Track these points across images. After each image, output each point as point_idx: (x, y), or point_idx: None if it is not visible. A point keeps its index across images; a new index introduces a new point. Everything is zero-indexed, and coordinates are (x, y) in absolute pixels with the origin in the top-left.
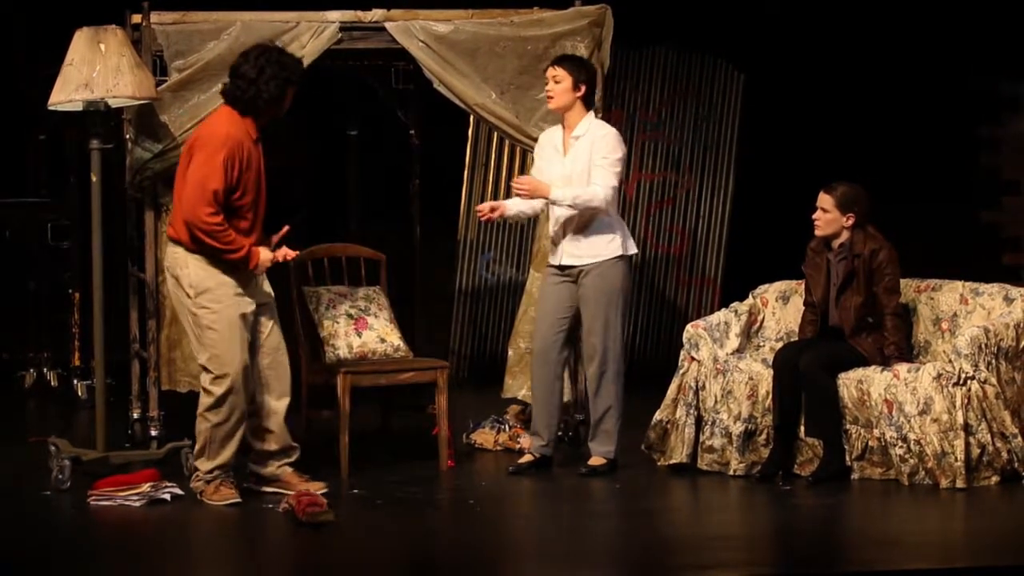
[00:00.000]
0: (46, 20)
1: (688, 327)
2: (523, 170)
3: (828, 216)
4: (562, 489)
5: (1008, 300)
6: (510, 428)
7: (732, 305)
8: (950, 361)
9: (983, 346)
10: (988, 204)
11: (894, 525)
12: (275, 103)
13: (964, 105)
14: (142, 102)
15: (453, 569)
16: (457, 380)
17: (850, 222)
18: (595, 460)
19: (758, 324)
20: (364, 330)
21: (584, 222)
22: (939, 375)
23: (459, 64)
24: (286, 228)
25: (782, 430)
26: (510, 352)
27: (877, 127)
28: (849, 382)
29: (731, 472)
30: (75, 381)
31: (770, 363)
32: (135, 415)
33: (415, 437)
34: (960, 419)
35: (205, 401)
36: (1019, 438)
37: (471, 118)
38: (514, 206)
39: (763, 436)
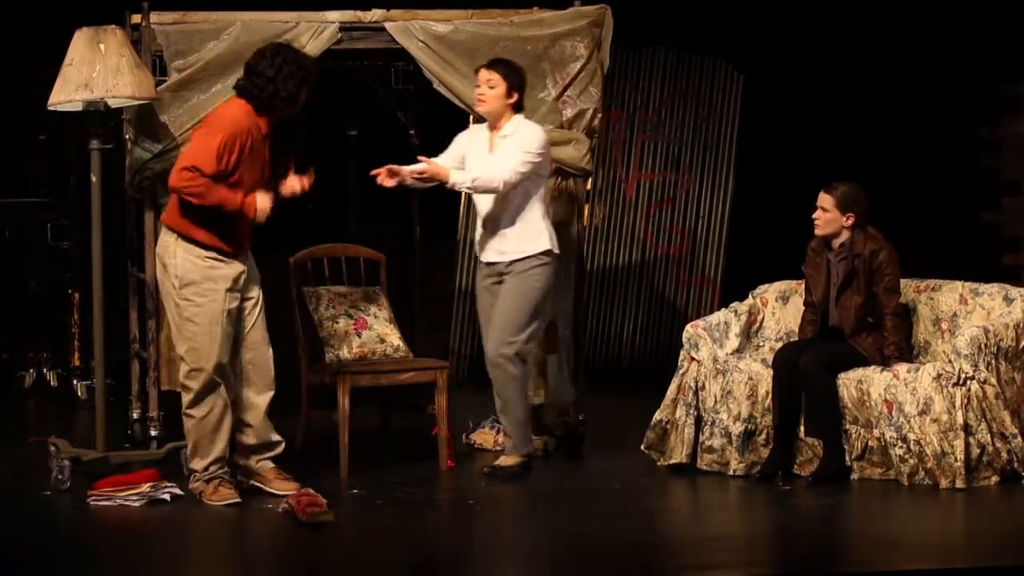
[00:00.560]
0: (46, 20)
1: (688, 327)
2: None
3: (828, 216)
4: (562, 489)
5: (1008, 300)
6: None
7: (732, 305)
8: (950, 361)
9: (983, 346)
10: (988, 204)
11: (894, 525)
12: (291, 101)
13: (964, 105)
14: (142, 102)
15: (453, 569)
16: (457, 380)
17: (850, 222)
18: (504, 460)
19: (758, 324)
20: (364, 330)
21: (511, 217)
22: (939, 375)
23: (459, 64)
24: (292, 171)
25: (782, 430)
26: None
27: (877, 127)
28: (849, 382)
29: (731, 472)
30: (75, 381)
31: (770, 363)
32: (135, 415)
33: (415, 437)
34: (960, 419)
35: (185, 398)
36: (1019, 438)
37: (471, 118)
38: (410, 176)
39: (763, 436)
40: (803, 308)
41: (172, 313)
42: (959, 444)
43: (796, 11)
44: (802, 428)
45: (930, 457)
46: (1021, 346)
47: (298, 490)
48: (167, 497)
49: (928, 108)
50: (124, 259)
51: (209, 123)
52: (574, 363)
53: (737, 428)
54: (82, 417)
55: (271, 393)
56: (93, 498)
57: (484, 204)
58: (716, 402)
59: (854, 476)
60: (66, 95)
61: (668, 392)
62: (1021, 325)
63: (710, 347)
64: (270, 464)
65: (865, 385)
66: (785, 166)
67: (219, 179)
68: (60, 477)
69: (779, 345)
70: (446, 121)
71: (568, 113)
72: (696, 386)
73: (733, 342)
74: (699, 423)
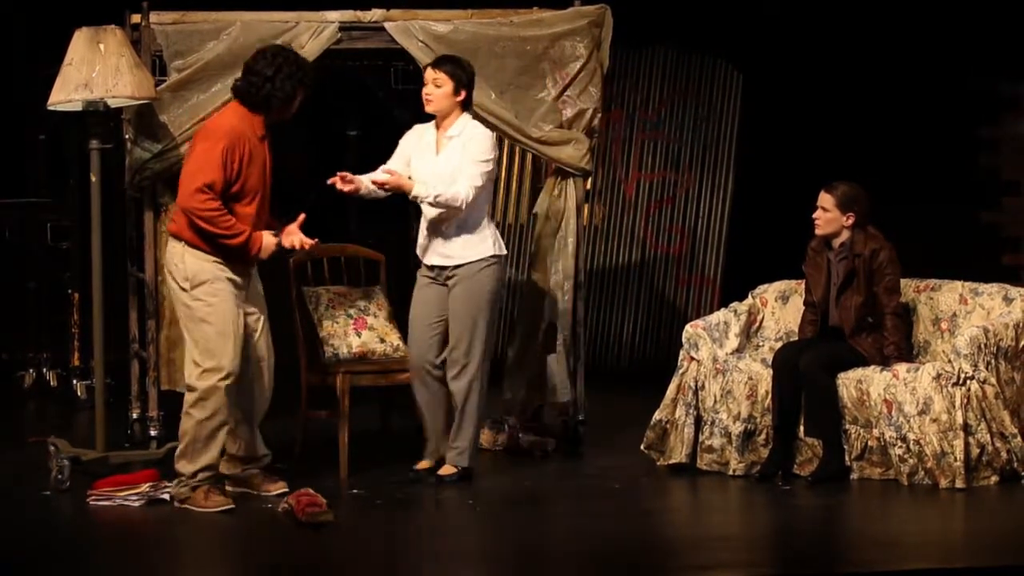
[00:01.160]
0: (46, 20)
1: (688, 327)
2: (522, 170)
3: (828, 215)
4: (562, 489)
5: (1007, 300)
6: (509, 428)
7: (732, 305)
8: (949, 361)
9: (982, 346)
10: (988, 204)
11: (894, 525)
12: (287, 102)
13: (964, 105)
14: (141, 102)
15: (453, 569)
16: None
17: (850, 221)
18: (446, 469)
19: (758, 324)
20: (364, 330)
21: (456, 222)
22: (938, 375)
23: None
24: (302, 216)
25: (782, 430)
26: (509, 352)
27: (877, 127)
28: (849, 382)
29: (730, 472)
30: (75, 381)
31: (770, 363)
32: (134, 415)
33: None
34: (959, 419)
35: (189, 398)
36: (1018, 438)
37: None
38: (368, 185)
39: (762, 436)
40: (803, 308)
41: (184, 318)
42: (959, 444)
43: (795, 11)
44: (802, 428)
45: (930, 457)
46: (1021, 346)
47: (286, 487)
48: (167, 497)
49: (928, 108)
50: (124, 259)
51: (207, 134)
52: (574, 363)
53: (737, 428)
54: (82, 417)
55: (265, 408)
56: (93, 498)
57: (429, 208)
58: (716, 402)
59: (854, 476)
60: (66, 95)
61: (668, 392)
62: (1021, 325)
63: (710, 347)
64: (256, 470)
65: (865, 385)
66: (785, 166)
67: (226, 187)
68: (60, 477)
69: (779, 345)
70: None
71: (568, 113)
72: (696, 386)
73: (733, 342)
74: (699, 423)
